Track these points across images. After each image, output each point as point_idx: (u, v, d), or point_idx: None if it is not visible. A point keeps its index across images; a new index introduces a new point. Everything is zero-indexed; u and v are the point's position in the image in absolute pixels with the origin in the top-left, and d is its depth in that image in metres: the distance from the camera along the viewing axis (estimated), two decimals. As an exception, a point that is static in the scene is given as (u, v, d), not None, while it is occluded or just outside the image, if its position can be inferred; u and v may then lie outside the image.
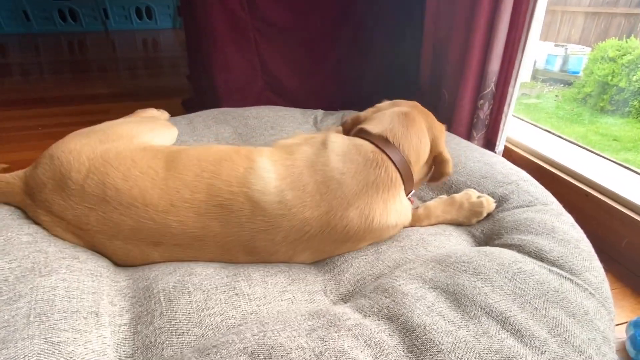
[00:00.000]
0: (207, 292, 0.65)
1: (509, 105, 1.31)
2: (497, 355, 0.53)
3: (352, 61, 1.76)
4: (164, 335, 0.59)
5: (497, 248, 0.76)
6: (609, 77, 2.32)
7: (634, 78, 2.22)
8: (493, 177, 0.98)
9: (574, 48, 2.60)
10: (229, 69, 1.61)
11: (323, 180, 0.73)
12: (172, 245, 0.72)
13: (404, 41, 1.72)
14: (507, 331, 0.57)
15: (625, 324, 0.88)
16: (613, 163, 1.30)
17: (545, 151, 1.37)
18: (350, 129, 0.88)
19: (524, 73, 1.29)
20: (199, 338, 0.59)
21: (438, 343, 0.54)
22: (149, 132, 0.92)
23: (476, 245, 0.85)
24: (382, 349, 0.54)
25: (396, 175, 0.77)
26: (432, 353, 0.54)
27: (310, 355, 0.51)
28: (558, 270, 0.69)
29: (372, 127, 0.81)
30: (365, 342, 0.55)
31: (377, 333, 0.57)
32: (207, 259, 0.74)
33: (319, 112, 1.43)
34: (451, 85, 1.43)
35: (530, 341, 0.56)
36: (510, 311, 0.59)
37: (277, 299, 0.68)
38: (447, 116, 1.44)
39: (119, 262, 0.75)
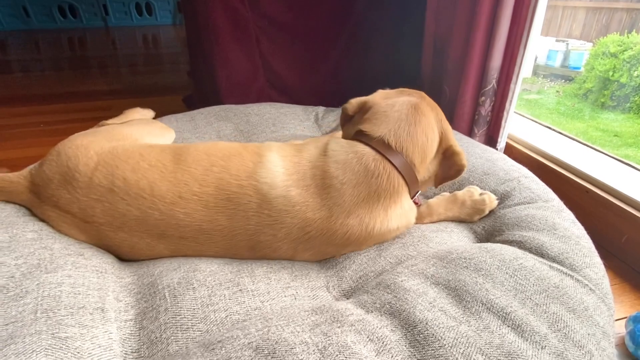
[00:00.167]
0: (211, 288, 0.66)
1: (511, 101, 1.32)
2: (498, 350, 0.54)
3: (353, 58, 1.76)
4: (169, 331, 0.60)
5: (498, 244, 0.77)
6: (610, 73, 2.32)
7: (635, 73, 2.22)
8: (495, 173, 0.98)
9: (575, 43, 2.60)
10: (230, 66, 1.61)
11: (323, 186, 0.73)
12: (178, 237, 0.73)
13: (405, 37, 1.72)
14: (508, 326, 0.58)
15: (625, 319, 0.89)
16: (613, 159, 1.30)
17: (546, 148, 1.37)
18: (353, 115, 0.85)
19: (525, 69, 1.29)
20: (203, 333, 0.60)
21: (440, 338, 0.55)
22: (148, 134, 0.96)
23: (477, 242, 0.86)
24: (384, 343, 0.55)
25: (399, 181, 0.75)
26: (433, 348, 0.54)
27: (314, 350, 0.52)
28: (559, 267, 0.69)
29: (375, 128, 0.78)
30: (368, 337, 0.55)
31: (380, 328, 0.57)
32: (211, 253, 0.75)
33: (320, 109, 1.44)
34: (452, 81, 1.43)
35: (531, 336, 0.56)
36: (511, 307, 0.60)
37: (281, 294, 0.68)
38: (448, 113, 1.43)
39: (124, 256, 0.76)
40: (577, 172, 1.24)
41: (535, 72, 2.84)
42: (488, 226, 0.88)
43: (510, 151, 1.45)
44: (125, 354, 0.58)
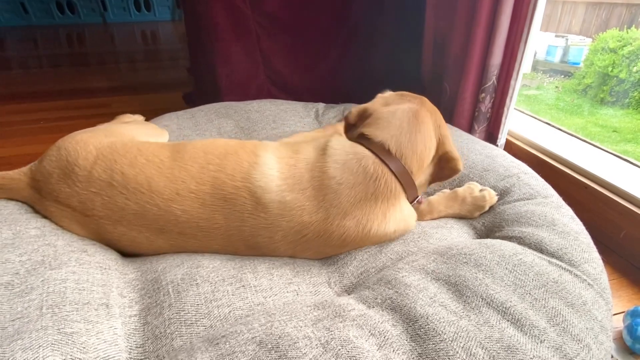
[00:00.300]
0: (214, 284, 0.67)
1: (511, 98, 1.32)
2: (498, 344, 0.55)
3: (353, 54, 1.76)
4: (173, 326, 0.61)
5: (498, 240, 0.77)
6: (609, 68, 2.32)
7: (635, 69, 2.22)
8: (495, 170, 0.99)
9: (574, 39, 2.59)
10: (231, 63, 1.61)
11: (320, 188, 0.73)
12: (177, 233, 0.73)
13: (405, 35, 1.72)
14: (508, 321, 0.58)
15: (623, 314, 0.90)
16: (612, 155, 1.31)
17: (546, 144, 1.37)
18: (355, 124, 0.87)
19: (525, 65, 1.29)
20: (207, 329, 0.61)
21: (440, 332, 0.56)
22: (145, 135, 0.99)
23: (477, 238, 0.86)
24: (386, 338, 0.56)
25: (396, 185, 0.76)
26: (434, 342, 0.55)
27: (316, 344, 0.53)
28: (557, 262, 0.70)
29: (376, 133, 0.79)
30: (369, 332, 0.56)
31: (381, 323, 0.58)
32: (211, 249, 0.75)
33: (320, 106, 1.44)
34: (453, 78, 1.44)
35: (530, 330, 0.57)
36: (511, 301, 0.61)
37: (283, 290, 0.69)
38: (448, 109, 1.44)
39: (125, 250, 0.77)
40: (576, 168, 1.25)
41: (534, 68, 2.83)
42: (488, 222, 0.88)
43: (509, 147, 1.46)
44: (130, 349, 0.59)
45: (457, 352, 0.53)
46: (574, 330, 0.58)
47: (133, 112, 1.32)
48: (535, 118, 1.61)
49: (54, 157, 0.78)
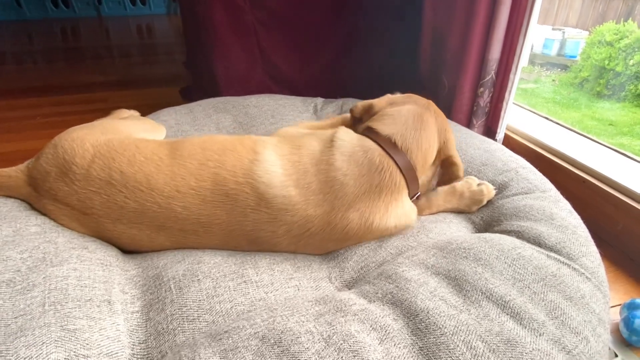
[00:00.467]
0: (216, 280, 0.67)
1: (510, 92, 1.32)
2: (498, 337, 0.56)
3: (351, 49, 1.75)
4: (175, 322, 0.61)
5: (497, 234, 0.78)
6: (606, 62, 2.32)
7: (631, 62, 2.22)
8: (493, 164, 0.99)
9: (571, 32, 2.59)
10: (229, 58, 1.60)
11: (326, 180, 0.73)
12: (177, 230, 0.73)
13: (403, 29, 1.71)
14: (507, 314, 0.59)
15: (619, 306, 0.91)
16: (610, 149, 1.31)
17: (544, 138, 1.38)
18: (360, 118, 0.87)
19: (524, 59, 1.29)
20: (210, 324, 0.61)
21: (441, 326, 0.57)
22: (142, 131, 0.98)
23: (476, 232, 0.87)
24: (387, 332, 0.57)
25: (400, 179, 0.77)
26: (435, 336, 0.56)
27: (319, 339, 0.53)
28: (556, 256, 0.71)
29: (383, 127, 0.81)
30: (371, 326, 0.57)
31: (382, 317, 0.59)
32: (211, 245, 0.76)
33: (319, 100, 1.44)
34: (451, 72, 1.43)
35: (529, 323, 0.58)
36: (510, 295, 0.62)
37: (284, 285, 0.69)
38: (447, 104, 1.44)
39: (125, 247, 0.77)
40: (574, 162, 1.26)
41: (531, 61, 2.83)
42: (486, 216, 0.89)
43: (507, 142, 1.46)
44: (133, 345, 0.59)
45: (458, 346, 0.54)
46: (573, 323, 0.59)
47: (129, 106, 1.31)
48: (533, 112, 1.62)
49: (51, 155, 0.77)
